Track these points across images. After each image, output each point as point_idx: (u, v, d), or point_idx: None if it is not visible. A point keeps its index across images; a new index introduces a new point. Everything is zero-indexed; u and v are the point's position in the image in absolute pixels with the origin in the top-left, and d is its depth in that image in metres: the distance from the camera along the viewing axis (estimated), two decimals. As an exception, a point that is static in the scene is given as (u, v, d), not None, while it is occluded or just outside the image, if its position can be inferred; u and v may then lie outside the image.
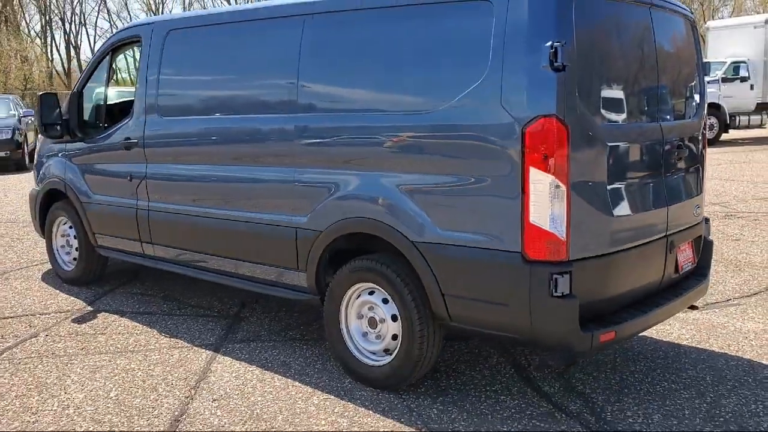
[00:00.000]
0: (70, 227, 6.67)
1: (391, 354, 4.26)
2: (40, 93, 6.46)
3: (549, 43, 3.49)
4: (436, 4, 3.97)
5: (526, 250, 3.64)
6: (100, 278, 6.79)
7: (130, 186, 5.79)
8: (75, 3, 58.53)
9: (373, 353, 4.37)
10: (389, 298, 4.22)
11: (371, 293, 4.34)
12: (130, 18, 67.14)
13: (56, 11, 57.86)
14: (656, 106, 4.29)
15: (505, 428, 3.85)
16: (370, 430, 3.84)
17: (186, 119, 5.34)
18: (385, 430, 3.84)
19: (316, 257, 4.53)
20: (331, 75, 4.50)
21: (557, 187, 3.55)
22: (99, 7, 62.60)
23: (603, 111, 3.84)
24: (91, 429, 3.88)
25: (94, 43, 70.43)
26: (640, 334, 5.02)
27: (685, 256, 4.55)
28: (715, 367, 4.62)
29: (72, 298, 6.35)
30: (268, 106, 4.78)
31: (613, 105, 3.98)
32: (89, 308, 6.04)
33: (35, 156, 7.15)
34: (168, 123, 5.47)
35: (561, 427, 3.86)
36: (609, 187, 3.83)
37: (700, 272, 4.76)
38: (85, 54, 60.73)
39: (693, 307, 4.81)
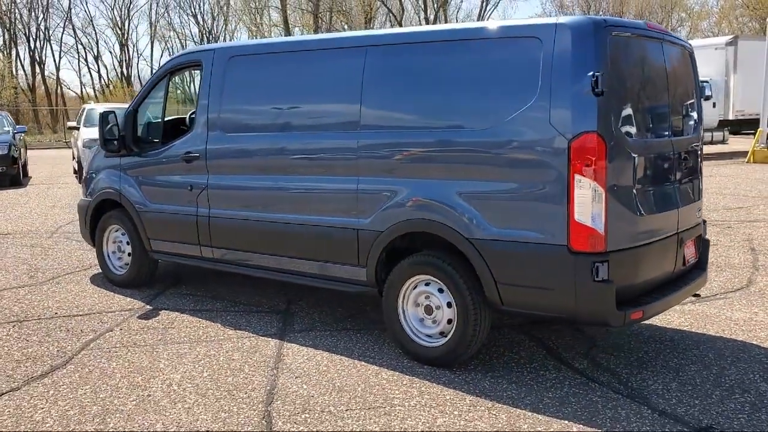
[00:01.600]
0: (123, 234, 7.22)
1: (446, 336, 4.97)
2: (101, 111, 7.00)
3: (591, 73, 4.26)
4: (491, 39, 4.74)
5: (571, 243, 4.39)
6: (150, 281, 7.34)
7: (190, 195, 6.39)
8: (40, 19, 58.49)
9: (429, 336, 5.07)
10: (444, 287, 4.93)
11: (427, 284, 5.04)
12: (96, 34, 67.08)
13: (20, 27, 57.75)
14: (668, 123, 5.11)
15: (550, 395, 4.58)
16: (438, 395, 4.54)
17: (252, 135, 5.95)
18: (450, 396, 4.54)
19: (376, 254, 5.22)
20: (392, 98, 5.18)
21: (597, 190, 4.31)
22: (64, 23, 62.18)
23: (630, 128, 4.62)
24: (199, 400, 4.51)
25: (59, 59, 70.26)
26: (646, 323, 5.83)
27: (690, 252, 5.34)
28: (715, 347, 5.42)
29: (128, 298, 6.90)
30: (334, 125, 5.45)
31: (637, 123, 4.75)
32: (149, 307, 6.62)
33: (84, 171, 7.64)
34: (232, 139, 6.07)
35: (597, 392, 4.60)
36: (635, 191, 4.60)
37: (700, 266, 5.56)
38: (49, 69, 60.65)
39: (696, 295, 5.61)
